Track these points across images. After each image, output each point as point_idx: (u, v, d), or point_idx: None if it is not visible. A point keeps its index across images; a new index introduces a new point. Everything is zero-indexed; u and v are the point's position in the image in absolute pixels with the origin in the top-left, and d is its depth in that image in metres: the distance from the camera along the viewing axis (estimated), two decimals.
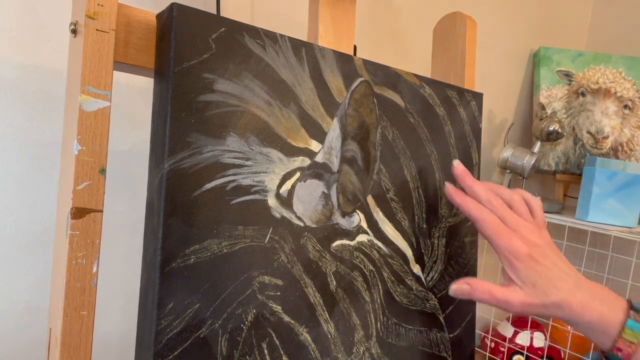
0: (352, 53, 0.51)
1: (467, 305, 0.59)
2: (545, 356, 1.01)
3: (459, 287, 0.47)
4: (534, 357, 1.01)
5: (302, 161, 0.44)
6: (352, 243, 0.47)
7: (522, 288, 0.45)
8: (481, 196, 0.48)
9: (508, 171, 0.99)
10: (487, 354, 1.03)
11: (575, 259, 1.15)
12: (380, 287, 0.50)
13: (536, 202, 0.49)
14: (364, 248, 0.49)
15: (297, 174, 0.43)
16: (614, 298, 0.46)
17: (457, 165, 0.51)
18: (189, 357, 0.36)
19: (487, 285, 0.46)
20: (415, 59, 0.92)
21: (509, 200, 0.49)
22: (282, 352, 0.42)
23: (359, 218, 0.48)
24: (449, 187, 0.50)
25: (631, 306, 0.45)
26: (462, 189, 0.51)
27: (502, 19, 1.09)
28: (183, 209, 0.36)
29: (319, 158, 0.45)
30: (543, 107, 1.00)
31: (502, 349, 1.02)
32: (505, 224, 0.46)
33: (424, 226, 0.54)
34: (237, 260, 0.39)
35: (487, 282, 0.46)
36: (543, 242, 0.46)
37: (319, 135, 0.45)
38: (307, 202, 0.44)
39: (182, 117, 0.36)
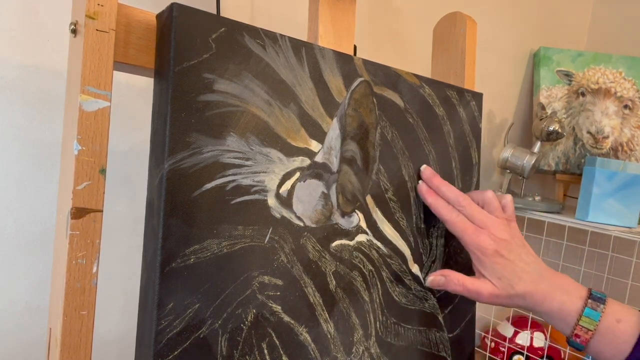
0: (352, 53, 0.51)
1: (467, 305, 0.59)
2: (545, 356, 1.01)
3: (434, 279, 0.50)
4: (534, 357, 1.01)
5: (302, 161, 0.44)
6: (351, 243, 0.48)
7: (490, 280, 0.48)
8: (449, 196, 0.51)
9: (508, 171, 0.99)
10: (487, 354, 1.03)
11: (575, 259, 1.15)
12: (379, 286, 0.50)
13: (506, 197, 0.53)
14: (363, 248, 0.49)
15: (297, 174, 0.43)
16: (575, 287, 0.48)
17: (425, 169, 0.54)
18: (189, 357, 0.36)
19: (460, 278, 0.49)
20: (415, 59, 0.92)
21: (482, 197, 0.52)
22: (282, 352, 0.42)
23: (358, 218, 0.48)
24: (421, 186, 0.53)
25: (590, 295, 0.48)
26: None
27: (502, 19, 1.09)
28: (183, 209, 0.36)
29: (318, 158, 0.45)
30: (543, 107, 1.00)
31: (502, 349, 1.02)
32: (472, 222, 0.50)
33: (422, 226, 0.54)
34: (237, 260, 0.39)
35: (460, 274, 0.50)
36: (510, 236, 0.49)
37: (319, 135, 0.45)
38: (307, 202, 0.44)
39: (182, 117, 0.36)
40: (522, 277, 0.48)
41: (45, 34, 0.55)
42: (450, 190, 0.52)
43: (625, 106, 1.05)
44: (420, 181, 0.53)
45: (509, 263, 0.48)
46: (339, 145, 0.47)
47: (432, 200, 0.52)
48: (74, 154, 0.34)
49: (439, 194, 0.52)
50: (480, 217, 0.50)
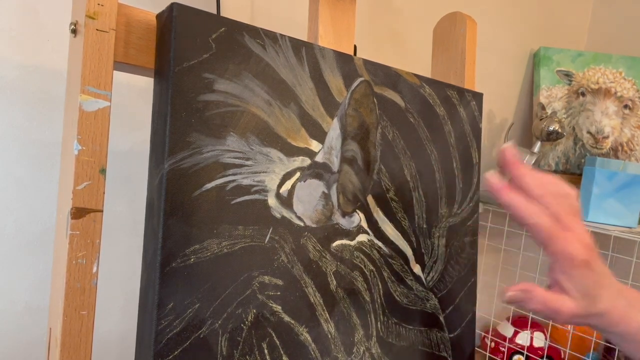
0: (352, 53, 0.51)
1: (467, 305, 0.59)
2: (545, 356, 1.01)
3: (514, 295, 0.41)
4: (534, 357, 1.01)
5: (302, 161, 0.44)
6: (352, 243, 0.47)
7: (573, 297, 0.41)
8: (534, 191, 0.40)
9: None
10: (487, 354, 1.03)
11: None
12: (380, 287, 0.50)
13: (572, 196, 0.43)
14: (364, 248, 0.49)
15: (297, 174, 0.43)
16: None
17: (507, 148, 0.41)
18: (189, 357, 0.36)
19: (543, 295, 0.41)
20: (415, 59, 0.92)
21: (565, 192, 0.41)
22: (282, 352, 0.42)
23: (359, 218, 0.48)
24: (492, 179, 0.40)
25: None
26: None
27: (502, 19, 1.09)
28: (183, 209, 0.36)
29: (319, 158, 0.45)
30: (543, 107, 1.00)
31: (502, 349, 1.02)
32: (559, 223, 0.40)
33: (424, 226, 0.54)
34: (237, 260, 0.39)
35: (543, 290, 0.41)
36: (592, 243, 0.41)
37: (319, 135, 0.45)
38: (307, 202, 0.44)
39: (182, 117, 0.36)
40: (604, 294, 0.41)
41: (45, 34, 0.55)
42: (536, 183, 0.40)
43: (625, 106, 1.05)
44: (489, 172, 0.41)
45: (597, 277, 0.40)
46: (340, 145, 0.47)
47: (508, 199, 0.40)
48: (74, 154, 0.34)
49: (520, 184, 0.41)
50: (568, 218, 0.40)
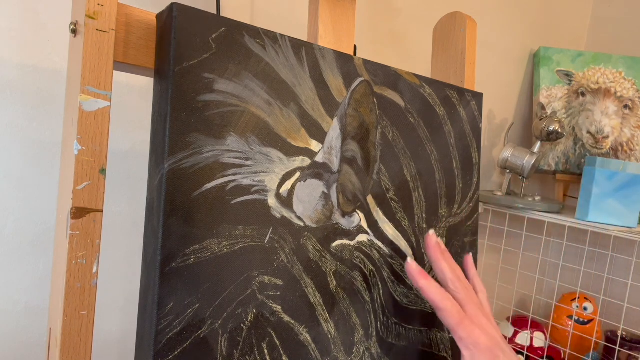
0: (352, 53, 0.51)
1: None
2: (545, 356, 1.01)
3: None
4: (534, 357, 1.01)
5: (302, 161, 0.44)
6: (352, 243, 0.47)
7: None
8: (446, 274, 0.47)
9: (508, 171, 0.99)
10: None
11: (575, 258, 1.15)
12: (380, 287, 0.50)
13: (484, 293, 0.50)
14: (364, 248, 0.49)
15: (297, 174, 0.43)
16: None
17: (432, 235, 0.49)
18: (189, 357, 0.36)
19: None
20: (415, 59, 0.92)
21: (476, 285, 0.50)
22: (282, 352, 0.42)
23: (359, 218, 0.48)
24: (411, 265, 0.47)
25: None
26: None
27: (502, 19, 1.09)
28: (183, 209, 0.36)
29: (319, 158, 0.45)
30: (543, 107, 1.00)
31: None
32: (464, 310, 0.46)
33: (424, 226, 0.54)
34: (237, 260, 0.39)
35: None
36: (499, 334, 0.46)
37: (319, 135, 0.45)
38: (307, 202, 0.44)
39: (182, 117, 0.36)
40: None
41: (45, 34, 0.55)
42: (448, 268, 0.47)
43: (625, 106, 1.05)
44: (409, 259, 0.47)
45: None
46: (340, 145, 0.47)
47: (424, 285, 0.46)
48: (74, 154, 0.34)
49: (435, 267, 0.48)
50: (472, 307, 0.46)
